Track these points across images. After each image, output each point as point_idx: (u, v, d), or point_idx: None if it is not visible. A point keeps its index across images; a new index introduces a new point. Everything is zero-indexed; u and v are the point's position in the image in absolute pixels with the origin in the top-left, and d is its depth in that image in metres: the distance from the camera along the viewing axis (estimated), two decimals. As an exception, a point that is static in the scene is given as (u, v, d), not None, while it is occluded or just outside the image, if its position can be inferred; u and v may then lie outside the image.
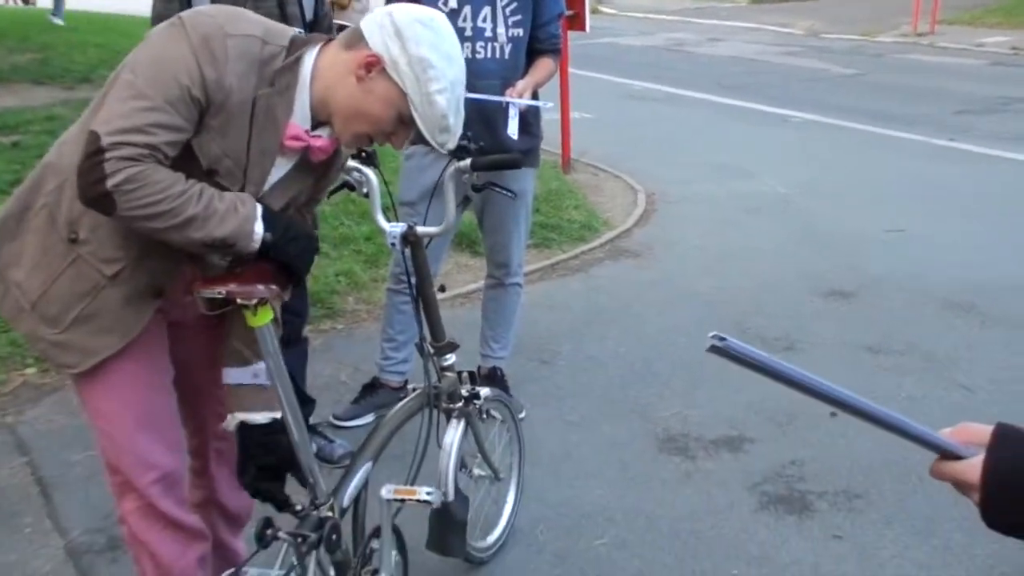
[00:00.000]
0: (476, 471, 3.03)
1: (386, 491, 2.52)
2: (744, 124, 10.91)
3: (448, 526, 2.75)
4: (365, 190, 2.78)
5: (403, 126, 2.08)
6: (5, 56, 14.19)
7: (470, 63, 3.57)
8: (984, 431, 1.16)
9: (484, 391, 2.93)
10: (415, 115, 2.03)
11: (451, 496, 2.74)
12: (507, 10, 3.62)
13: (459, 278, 5.69)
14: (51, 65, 13.26)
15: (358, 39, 2.04)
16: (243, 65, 1.94)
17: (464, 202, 3.03)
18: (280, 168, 2.09)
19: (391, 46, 2.00)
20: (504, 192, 3.22)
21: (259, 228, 1.99)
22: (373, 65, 2.01)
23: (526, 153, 3.62)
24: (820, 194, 7.77)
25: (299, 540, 2.16)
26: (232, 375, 2.22)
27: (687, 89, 12.99)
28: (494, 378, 4.03)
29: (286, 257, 2.05)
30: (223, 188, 2.00)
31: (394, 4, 2.14)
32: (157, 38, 1.95)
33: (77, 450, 3.71)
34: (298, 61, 2.02)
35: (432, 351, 2.77)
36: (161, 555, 2.27)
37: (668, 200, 7.67)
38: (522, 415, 3.96)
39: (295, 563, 2.14)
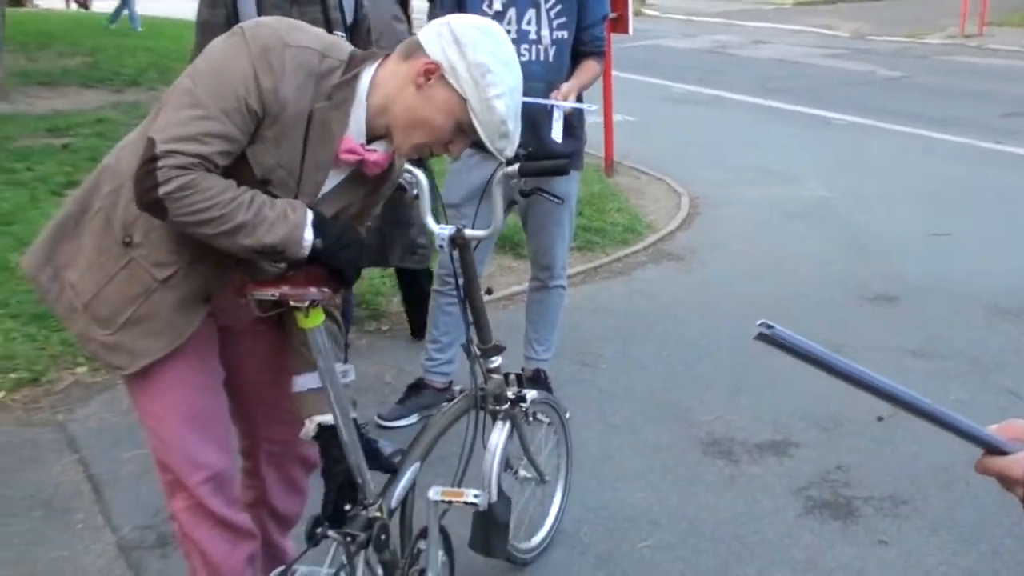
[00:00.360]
0: (522, 472, 3.05)
1: (433, 493, 2.56)
2: (787, 127, 10.86)
3: (491, 527, 2.78)
4: (415, 191, 2.81)
5: (462, 134, 2.09)
6: (55, 60, 14.46)
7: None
8: None
9: (531, 394, 2.95)
10: (475, 121, 2.04)
11: (494, 497, 2.76)
12: (552, 12, 3.64)
13: (503, 280, 5.72)
14: (100, 69, 13.50)
15: (416, 48, 2.05)
16: (300, 77, 1.97)
17: (510, 206, 3.04)
18: (333, 179, 2.12)
19: (449, 53, 2.01)
20: (551, 198, 3.24)
21: (309, 235, 2.01)
22: (432, 72, 2.02)
23: (570, 156, 3.63)
24: (864, 198, 7.72)
25: (348, 539, 2.19)
26: (302, 382, 2.27)
27: (730, 92, 12.95)
28: (538, 380, 4.05)
29: (336, 263, 2.07)
30: (275, 197, 2.04)
31: (450, 15, 2.15)
32: (217, 48, 1.99)
33: (127, 448, 3.78)
34: (356, 77, 2.05)
35: (479, 353, 2.79)
36: (210, 553, 2.31)
37: (711, 203, 7.66)
38: (567, 415, 3.98)
39: (344, 562, 2.17)
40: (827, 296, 5.52)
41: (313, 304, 2.03)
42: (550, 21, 3.65)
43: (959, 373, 4.43)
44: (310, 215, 2.03)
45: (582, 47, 3.75)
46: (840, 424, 3.99)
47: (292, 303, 2.01)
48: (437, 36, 2.04)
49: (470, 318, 2.78)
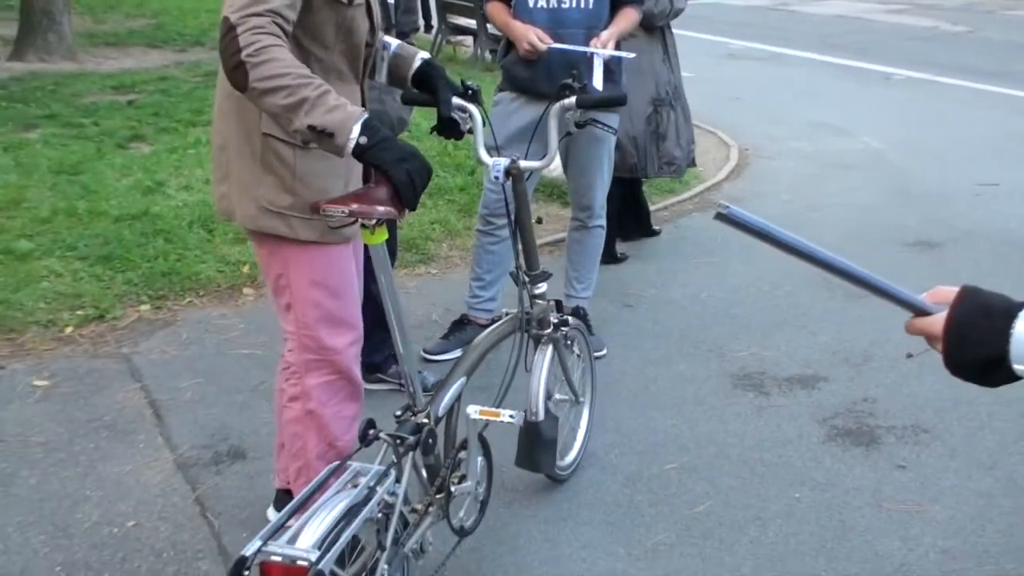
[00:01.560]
0: (557, 395, 3.20)
1: (472, 411, 2.73)
2: (845, 82, 10.79)
3: (539, 444, 2.94)
4: (468, 126, 2.89)
5: None
6: (121, 22, 14.80)
7: (556, 12, 3.74)
8: (952, 292, 1.32)
9: (571, 319, 3.10)
10: None
11: (541, 416, 2.92)
12: None
13: (551, 227, 5.85)
14: (165, 30, 13.79)
15: None
16: None
17: (564, 137, 3.13)
18: None
19: None
20: (605, 127, 3.34)
21: (357, 129, 2.12)
22: None
23: (620, 103, 3.76)
24: (916, 150, 7.70)
25: (398, 441, 2.36)
26: None
27: (789, 48, 12.86)
28: (577, 316, 4.19)
29: (377, 160, 2.14)
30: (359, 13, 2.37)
31: None
32: None
33: (186, 378, 4.01)
34: None
35: (526, 279, 2.93)
36: (331, 429, 2.62)
37: (761, 156, 7.70)
38: (603, 352, 4.12)
39: (393, 461, 2.34)
40: (871, 241, 5.57)
41: (379, 222, 2.18)
42: None
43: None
44: (364, 115, 2.17)
45: None
46: (870, 360, 4.08)
47: (361, 220, 2.17)
48: None
49: (519, 246, 2.91)
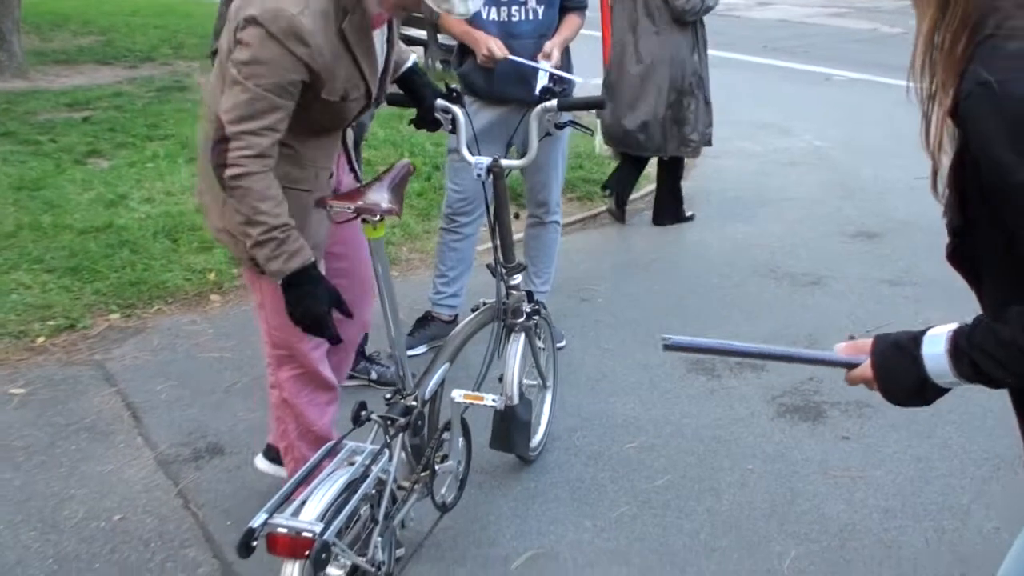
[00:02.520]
0: (526, 381, 3.37)
1: (456, 395, 2.91)
2: (788, 84, 11.09)
3: (515, 426, 3.12)
4: (451, 127, 3.12)
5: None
6: (70, 39, 14.78)
7: (507, 24, 3.92)
8: (867, 343, 1.56)
9: (541, 309, 3.31)
10: None
11: (516, 400, 3.10)
12: None
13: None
14: (114, 46, 13.79)
15: None
16: (320, 23, 2.31)
17: (544, 138, 3.32)
18: (377, 47, 2.57)
19: None
20: (583, 129, 3.55)
21: (278, 284, 2.44)
22: None
23: (600, 106, 3.93)
24: (856, 148, 7.99)
25: (388, 423, 2.53)
26: None
27: (734, 52, 13.13)
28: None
29: (290, 305, 2.45)
30: (356, 103, 2.52)
31: None
32: (253, 39, 2.27)
33: (160, 381, 4.13)
34: None
35: (503, 271, 3.11)
36: (306, 416, 2.78)
37: (708, 155, 7.86)
38: (562, 344, 4.31)
39: (386, 441, 2.51)
40: (814, 233, 5.83)
41: (382, 218, 2.37)
42: None
43: (930, 298, 4.74)
44: (304, 265, 2.40)
45: (566, 2, 4.04)
46: (815, 344, 4.31)
47: (365, 217, 2.34)
48: None
49: (497, 240, 3.10)
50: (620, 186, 6.22)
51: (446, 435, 2.89)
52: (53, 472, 3.46)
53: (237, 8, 2.34)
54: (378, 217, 2.35)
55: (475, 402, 2.95)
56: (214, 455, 3.56)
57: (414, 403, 2.62)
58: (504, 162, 3.09)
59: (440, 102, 3.03)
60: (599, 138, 6.28)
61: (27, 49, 12.11)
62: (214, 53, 3.36)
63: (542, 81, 3.84)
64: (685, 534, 3.03)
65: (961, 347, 1.42)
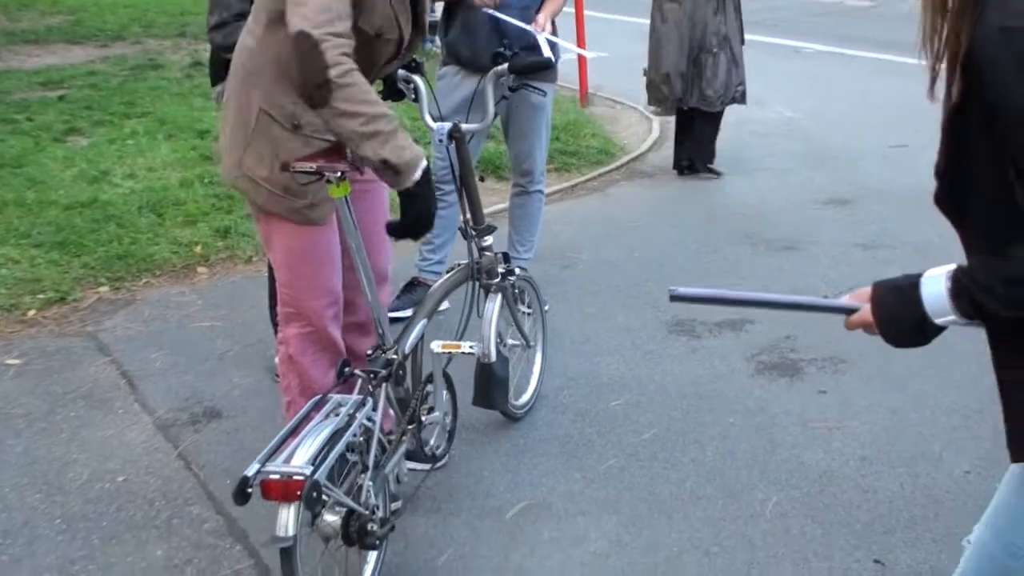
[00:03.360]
0: (510, 341, 3.49)
1: (435, 346, 3.04)
2: (758, 57, 11.16)
3: (492, 382, 3.23)
4: (414, 96, 3.22)
5: None
6: (38, 19, 14.70)
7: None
8: (867, 291, 1.66)
9: (517, 270, 3.41)
10: None
11: (493, 357, 3.21)
12: None
13: (487, 200, 6.09)
14: (84, 25, 13.75)
15: None
16: None
17: (501, 101, 3.41)
18: None
19: None
20: (536, 90, 3.63)
21: (418, 174, 2.42)
22: None
23: (548, 68, 4.06)
24: (827, 118, 8.14)
25: (371, 375, 2.64)
26: None
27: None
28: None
29: (420, 202, 2.46)
30: (388, 45, 2.60)
31: None
32: None
33: (154, 350, 4.22)
34: None
35: (474, 232, 3.22)
36: (309, 374, 2.84)
37: (681, 127, 8.06)
38: (547, 307, 4.42)
39: (369, 391, 2.62)
40: (788, 201, 5.98)
41: (343, 176, 2.45)
42: None
43: (900, 259, 4.90)
44: (424, 162, 2.45)
45: None
46: (791, 304, 4.45)
47: (326, 174, 2.43)
48: None
49: (465, 203, 3.20)
50: (702, 155, 6.73)
51: (429, 387, 3.01)
52: (54, 438, 3.54)
53: None
54: (339, 174, 2.42)
55: (453, 351, 3.06)
56: (212, 419, 3.65)
57: (394, 356, 2.72)
58: (464, 126, 3.18)
59: (401, 72, 3.12)
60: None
61: (-3, 29, 12.06)
62: (217, 26, 3.46)
63: (544, 45, 3.90)
64: (671, 483, 3.16)
65: (962, 285, 1.48)
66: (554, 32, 4.15)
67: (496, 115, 4.11)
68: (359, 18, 2.47)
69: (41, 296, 4.71)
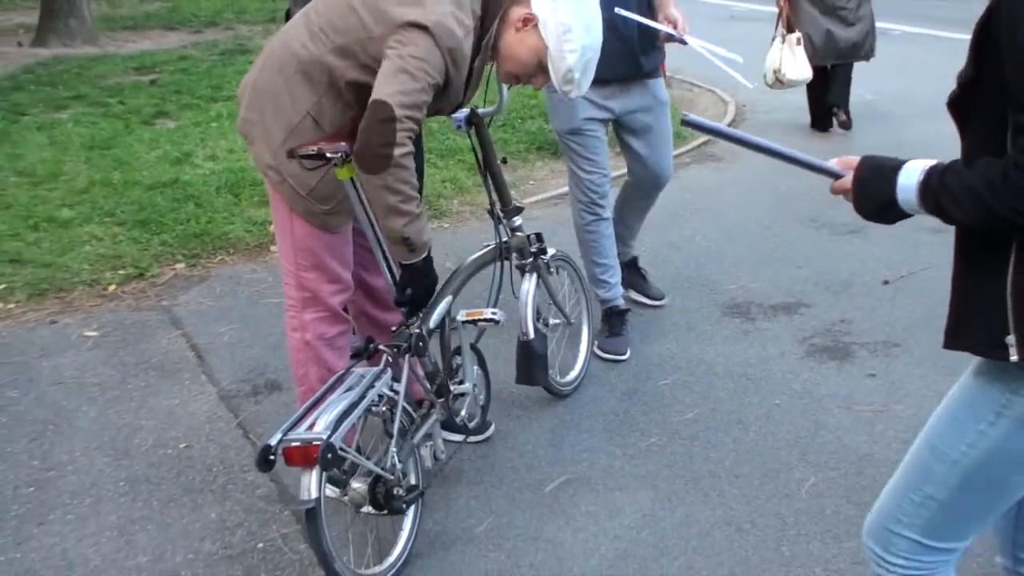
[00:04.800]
0: (552, 320, 3.56)
1: (460, 315, 3.10)
2: (843, 38, 11.03)
3: (532, 359, 3.30)
4: None
5: (542, 73, 2.75)
6: (137, 6, 15.21)
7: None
8: (855, 159, 1.74)
9: (550, 250, 3.47)
10: (550, 65, 2.71)
11: (531, 334, 3.28)
12: None
13: (553, 182, 6.23)
14: (180, 12, 14.18)
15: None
16: (467, 53, 2.63)
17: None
18: None
19: (545, 9, 2.67)
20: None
21: (426, 253, 2.67)
22: (529, 21, 2.69)
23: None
24: (908, 101, 7.99)
25: (394, 349, 2.74)
26: None
27: (789, 8, 13.08)
28: (636, 266, 4.44)
29: (411, 277, 2.70)
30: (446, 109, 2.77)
31: None
32: (420, 41, 2.51)
33: (223, 325, 4.39)
34: (497, 33, 2.73)
35: (501, 214, 3.29)
36: (326, 358, 2.94)
37: (757, 110, 8.02)
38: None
39: (390, 362, 2.72)
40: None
41: (346, 157, 2.55)
42: None
43: (968, 244, 4.81)
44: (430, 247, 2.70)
45: None
46: (849, 288, 4.43)
47: (328, 154, 2.53)
48: None
49: (491, 184, 3.25)
50: (843, 98, 7.26)
51: (457, 359, 3.10)
52: (124, 406, 3.73)
53: (385, 7, 2.56)
54: (340, 155, 2.52)
55: (476, 318, 3.11)
56: (272, 391, 3.80)
57: (417, 330, 2.81)
58: (480, 111, 3.21)
59: None
60: (772, 63, 7.09)
61: (97, 16, 12.52)
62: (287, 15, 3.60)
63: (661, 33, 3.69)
64: (710, 462, 3.20)
65: (931, 183, 1.57)
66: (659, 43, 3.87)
67: (609, 120, 3.94)
68: (436, 99, 2.62)
69: (121, 272, 4.93)
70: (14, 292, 4.68)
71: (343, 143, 2.54)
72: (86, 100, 8.31)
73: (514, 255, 3.34)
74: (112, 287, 4.80)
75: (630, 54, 3.76)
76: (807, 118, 7.62)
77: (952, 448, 1.70)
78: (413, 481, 2.74)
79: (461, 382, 3.10)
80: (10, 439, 3.50)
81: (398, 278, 2.78)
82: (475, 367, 3.17)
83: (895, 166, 1.65)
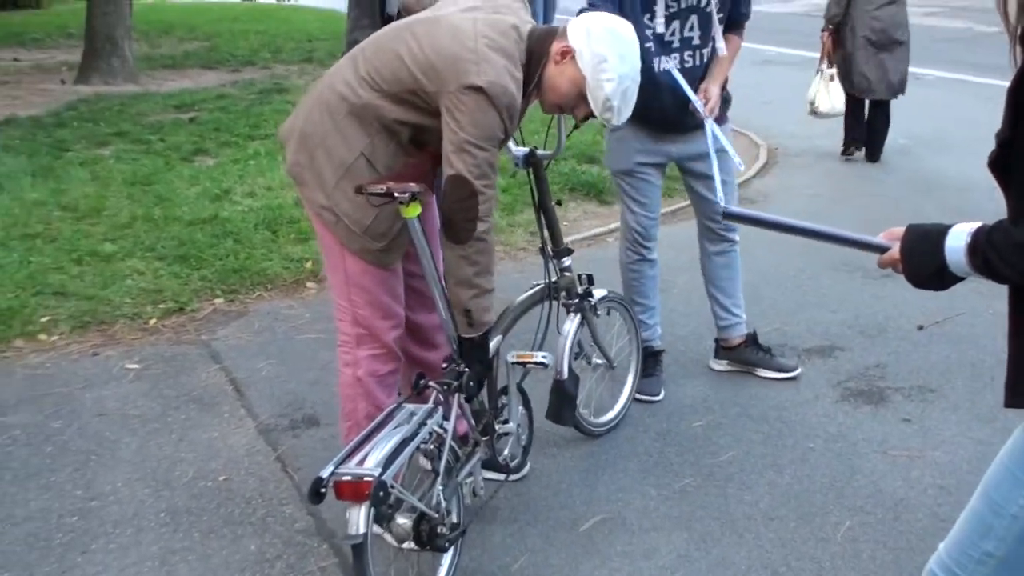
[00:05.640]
0: (595, 360, 3.61)
1: (510, 356, 3.15)
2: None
3: (562, 399, 3.35)
4: None
5: (583, 102, 2.81)
6: (176, 45, 15.48)
7: (681, 72, 3.65)
8: (901, 230, 1.76)
9: (598, 292, 3.52)
10: (589, 95, 2.77)
11: (566, 375, 3.33)
12: (711, 9, 3.63)
13: (587, 223, 6.28)
14: (218, 51, 14.41)
15: (564, 33, 2.79)
16: (517, 105, 2.70)
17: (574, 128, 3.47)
18: None
19: (581, 41, 2.75)
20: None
21: (481, 332, 2.80)
22: (568, 54, 2.75)
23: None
24: (941, 145, 8.01)
25: (444, 386, 2.79)
26: None
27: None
28: (757, 344, 4.18)
29: (469, 353, 2.82)
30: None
31: (594, 13, 2.87)
32: (475, 106, 2.60)
33: (261, 359, 4.46)
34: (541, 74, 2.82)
35: (552, 254, 3.35)
36: (376, 395, 3.01)
37: (789, 154, 8.06)
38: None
39: (442, 400, 2.77)
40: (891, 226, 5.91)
41: (413, 197, 2.61)
42: (710, 19, 3.65)
43: (1002, 292, 4.80)
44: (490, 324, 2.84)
45: (730, 19, 3.75)
46: (884, 332, 4.45)
47: (396, 194, 2.60)
48: (577, 26, 2.77)
49: (544, 223, 3.31)
50: (882, 134, 7.73)
51: (504, 399, 3.16)
52: (165, 438, 3.79)
53: (440, 57, 2.63)
54: (408, 195, 2.59)
55: (527, 361, 3.17)
56: (310, 425, 3.85)
57: (467, 369, 2.86)
58: (539, 152, 3.29)
59: None
60: (821, 96, 7.61)
61: (138, 55, 12.75)
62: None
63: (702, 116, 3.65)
64: (745, 504, 3.21)
65: (979, 243, 1.60)
66: (724, 93, 3.81)
67: (664, 164, 3.97)
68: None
69: (162, 306, 5.01)
70: (58, 324, 4.77)
71: (412, 184, 2.61)
72: (127, 137, 8.47)
73: (562, 295, 3.39)
74: (153, 321, 4.88)
75: (682, 105, 3.68)
76: (838, 163, 7.65)
77: (1010, 503, 1.70)
78: (455, 519, 2.77)
79: (506, 421, 3.15)
80: (54, 468, 3.56)
81: (455, 350, 2.87)
82: (520, 407, 3.22)
83: (941, 231, 1.68)
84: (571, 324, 3.41)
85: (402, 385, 3.36)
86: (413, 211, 2.66)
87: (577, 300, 3.43)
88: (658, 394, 3.96)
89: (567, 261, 3.40)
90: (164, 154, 7.86)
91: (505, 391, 3.15)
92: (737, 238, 4.16)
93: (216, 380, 4.30)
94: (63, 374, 4.33)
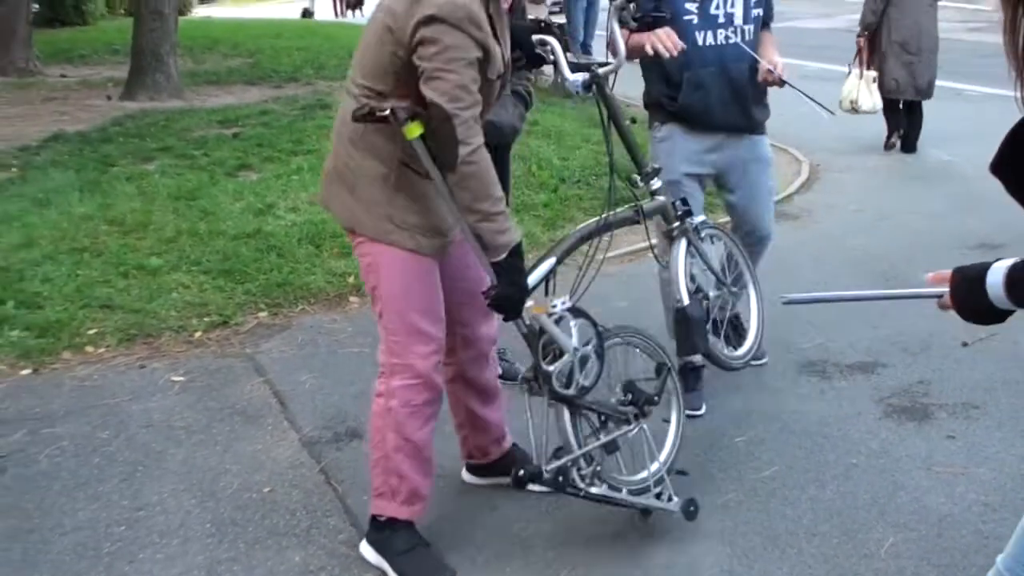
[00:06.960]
0: (712, 292, 3.48)
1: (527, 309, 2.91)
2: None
3: (690, 327, 3.23)
4: (552, 57, 3.08)
5: None
6: (220, 61, 15.68)
7: (724, 48, 3.80)
8: (948, 273, 1.81)
9: (698, 216, 3.37)
10: None
11: (685, 300, 3.21)
12: None
13: (626, 239, 6.26)
14: (261, 67, 14.57)
15: None
16: (481, 8, 2.66)
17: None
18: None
19: None
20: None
21: (505, 254, 2.72)
22: None
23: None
24: (983, 162, 7.70)
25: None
26: None
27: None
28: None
29: (503, 283, 2.75)
30: (499, 82, 2.83)
31: None
32: (435, 34, 2.58)
33: (304, 373, 4.50)
34: None
35: (639, 178, 3.20)
36: (407, 425, 2.95)
37: (831, 169, 8.03)
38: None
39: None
40: (932, 246, 5.89)
41: (413, 116, 2.64)
42: (749, 2, 3.80)
43: (1048, 308, 4.77)
44: (516, 242, 2.75)
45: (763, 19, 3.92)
46: (927, 349, 4.42)
47: (377, 113, 2.66)
48: None
49: (623, 143, 3.13)
50: (916, 129, 8.66)
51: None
52: (210, 449, 3.84)
53: (398, 11, 2.64)
54: (404, 116, 2.62)
55: (540, 314, 2.89)
56: (353, 438, 3.88)
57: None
58: (600, 69, 3.08)
59: (535, 37, 3.08)
60: (850, 93, 8.43)
61: (182, 71, 12.93)
62: None
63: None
64: (788, 519, 3.21)
65: (1015, 276, 1.64)
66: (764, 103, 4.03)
67: (708, 176, 4.03)
68: (488, 70, 2.70)
69: (207, 319, 5.08)
70: (105, 337, 4.85)
71: (392, 100, 2.67)
72: (172, 152, 8.58)
73: (658, 218, 3.26)
74: (198, 334, 4.95)
75: (742, 103, 3.83)
76: (880, 179, 7.62)
77: None
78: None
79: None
80: (102, 479, 3.62)
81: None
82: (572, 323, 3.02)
83: (982, 268, 1.71)
84: (679, 250, 3.24)
85: (465, 452, 3.45)
86: (415, 131, 2.67)
87: (678, 223, 3.27)
88: (700, 409, 3.95)
89: (656, 183, 3.22)
90: (208, 169, 7.96)
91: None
92: (769, 240, 4.26)
93: (260, 393, 4.35)
94: (110, 386, 4.40)
